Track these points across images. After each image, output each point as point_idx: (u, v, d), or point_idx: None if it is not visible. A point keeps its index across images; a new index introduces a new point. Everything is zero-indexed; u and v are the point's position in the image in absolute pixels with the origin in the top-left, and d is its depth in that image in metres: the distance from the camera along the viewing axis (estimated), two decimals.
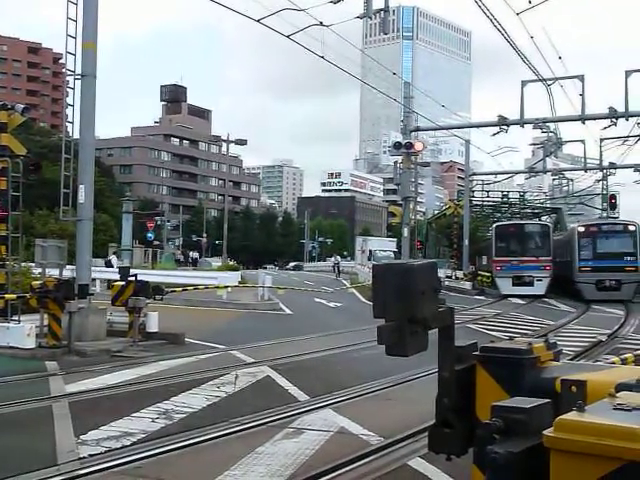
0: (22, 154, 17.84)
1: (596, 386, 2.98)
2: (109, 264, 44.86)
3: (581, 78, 31.08)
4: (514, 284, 40.00)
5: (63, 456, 7.43)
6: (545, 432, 2.39)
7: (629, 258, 37.81)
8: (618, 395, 2.63)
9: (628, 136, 38.83)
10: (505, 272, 40.95)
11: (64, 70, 18.73)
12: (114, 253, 53.32)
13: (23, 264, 21.63)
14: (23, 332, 15.00)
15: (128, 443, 7.94)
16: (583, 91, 30.88)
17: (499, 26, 22.44)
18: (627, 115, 31.39)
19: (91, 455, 7.46)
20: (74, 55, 17.13)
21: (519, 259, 40.73)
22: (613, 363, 7.61)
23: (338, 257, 54.56)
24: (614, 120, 31.71)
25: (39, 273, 19.83)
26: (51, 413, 9.43)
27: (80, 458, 7.37)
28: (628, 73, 30.42)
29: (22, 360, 14.14)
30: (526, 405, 2.79)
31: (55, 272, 18.11)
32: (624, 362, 8.26)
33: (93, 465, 7.15)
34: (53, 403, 10.14)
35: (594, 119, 32.89)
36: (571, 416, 2.39)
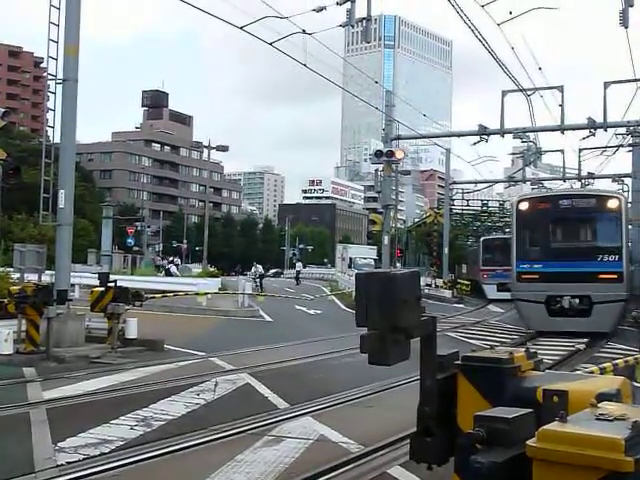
0: (2, 158, 17.69)
1: (577, 396, 3.00)
2: (169, 273, 44.33)
3: (560, 89, 31.29)
4: (498, 290, 41.60)
5: (40, 463, 7.36)
6: (528, 442, 2.41)
7: (607, 257, 21.83)
8: (599, 405, 2.64)
9: (606, 147, 39.01)
10: (491, 279, 44.49)
11: (45, 74, 18.63)
12: (171, 262, 52.92)
13: (1, 269, 21.48)
14: (0, 338, 14.85)
15: (106, 450, 7.88)
16: (562, 102, 31.10)
17: (480, 36, 22.58)
18: (605, 126, 31.60)
19: (69, 462, 7.39)
20: (56, 59, 17.04)
21: (503, 268, 41.40)
22: (592, 372, 7.66)
23: (259, 266, 48.54)
24: (593, 131, 31.91)
25: (17, 278, 19.65)
26: (28, 420, 9.34)
27: (58, 465, 7.31)
28: (607, 84, 30.67)
29: None
30: (508, 415, 2.80)
31: (34, 277, 17.97)
32: (603, 371, 8.32)
33: (71, 473, 7.09)
34: (30, 410, 10.05)
35: (573, 129, 33.08)
36: (554, 426, 2.40)
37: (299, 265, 72.15)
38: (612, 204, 22.18)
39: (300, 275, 65.80)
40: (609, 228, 22.66)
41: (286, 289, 49.18)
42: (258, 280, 45.89)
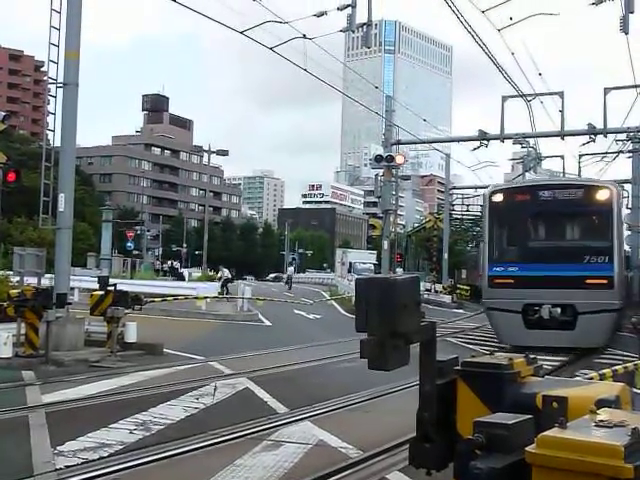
0: (2, 162, 17.71)
1: (577, 402, 3.00)
2: (181, 277, 43.43)
3: (561, 95, 31.36)
4: None
5: (39, 467, 7.35)
6: (527, 448, 2.41)
7: (596, 259, 18.81)
8: (599, 412, 2.65)
9: (606, 152, 39.10)
10: None
11: (46, 78, 18.66)
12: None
13: (1, 272, 21.48)
14: (0, 341, 14.84)
15: (105, 454, 7.87)
16: (563, 107, 31.16)
17: (480, 42, 22.62)
18: (605, 132, 31.67)
19: (68, 466, 7.38)
20: (56, 63, 17.07)
21: None
22: (591, 379, 7.66)
23: (225, 270, 43.22)
24: (593, 137, 31.98)
25: (17, 281, 19.67)
26: (27, 423, 9.33)
27: (57, 469, 7.30)
28: (607, 90, 30.73)
29: None
30: (508, 421, 2.80)
31: (33, 281, 17.97)
32: (602, 377, 8.32)
33: (70, 476, 7.08)
34: (29, 413, 10.04)
35: (573, 135, 33.14)
36: (553, 433, 2.40)
37: (290, 269, 71.82)
38: (602, 196, 18.78)
39: (292, 280, 65.24)
40: (598, 224, 19.69)
41: (285, 293, 49.18)
42: (223, 284, 42.13)
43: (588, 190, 19.31)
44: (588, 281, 18.38)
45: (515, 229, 20.43)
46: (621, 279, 19.25)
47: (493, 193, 20.24)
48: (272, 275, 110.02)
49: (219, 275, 45.02)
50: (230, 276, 46.33)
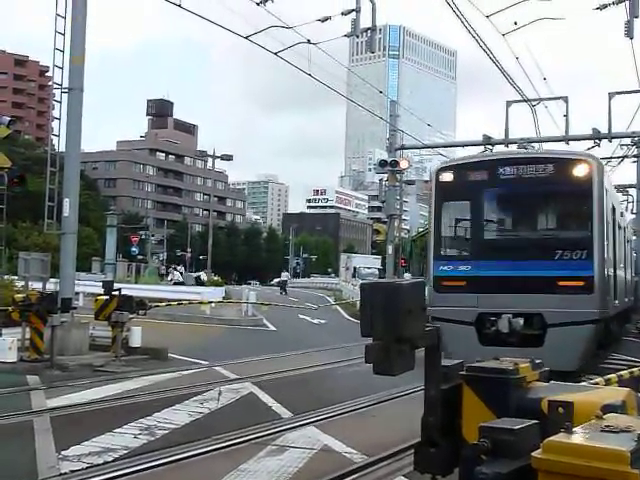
0: (7, 166, 17.75)
1: (583, 407, 2.99)
2: (199, 281, 42.21)
3: (565, 99, 31.29)
4: None
5: (44, 472, 7.35)
6: (533, 454, 2.40)
7: (571, 254, 14.84)
8: (605, 417, 2.64)
9: (611, 157, 38.99)
10: None
11: (51, 83, 18.70)
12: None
13: (5, 277, 21.52)
14: (4, 346, 14.86)
15: (110, 459, 7.87)
16: (567, 112, 31.06)
17: (485, 46, 22.60)
18: (610, 137, 31.54)
19: (72, 471, 7.38)
20: (61, 68, 17.11)
21: None
22: (597, 384, 7.63)
23: (177, 273, 39.04)
24: (597, 141, 31.89)
25: (22, 286, 19.69)
26: (32, 428, 9.33)
27: (61, 474, 7.29)
28: (611, 95, 30.67)
29: (3, 374, 13.98)
30: (514, 426, 2.79)
31: (38, 285, 17.99)
32: (607, 383, 8.29)
33: None
34: (34, 418, 10.04)
35: (578, 140, 33.04)
36: (559, 438, 2.40)
37: (285, 274, 71.32)
38: (580, 172, 14.68)
39: (287, 285, 64.27)
40: (574, 209, 16.06)
41: (289, 298, 49.16)
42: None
43: (561, 165, 15.07)
44: (560, 283, 14.33)
45: (467, 217, 16.37)
46: (604, 281, 14.90)
47: (441, 170, 16.18)
48: (276, 280, 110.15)
49: (169, 278, 41.63)
50: (181, 279, 44.52)
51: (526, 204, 16.09)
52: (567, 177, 14.86)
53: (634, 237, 29.67)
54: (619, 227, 19.95)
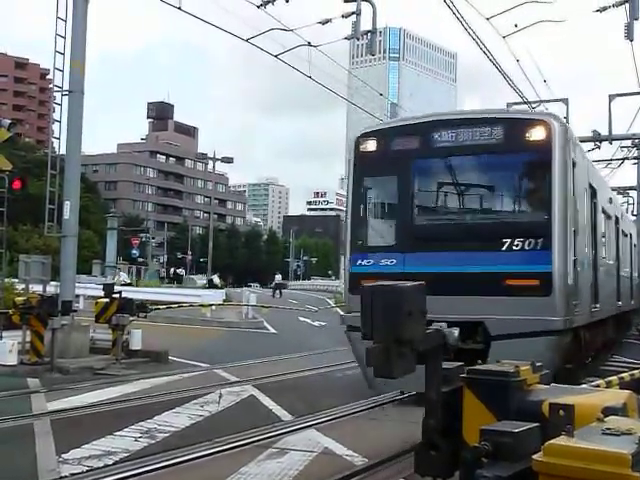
0: (7, 169, 17.75)
1: (584, 410, 2.98)
2: (212, 284, 42.21)
3: (565, 101, 31.31)
4: None
5: (44, 475, 7.34)
6: (534, 457, 2.40)
7: (523, 244, 11.32)
8: (606, 420, 2.63)
9: (611, 159, 39.00)
10: None
11: (51, 86, 18.72)
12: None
13: (6, 280, 21.50)
14: (5, 348, 14.85)
15: (110, 462, 7.86)
16: (567, 114, 31.06)
17: (485, 49, 22.61)
18: (610, 138, 31.56)
19: (73, 474, 7.37)
20: (62, 71, 17.12)
21: None
22: (598, 386, 7.63)
23: (123, 274, 36.87)
24: (598, 143, 31.90)
25: (22, 289, 19.68)
26: (32, 431, 9.32)
27: (61, 477, 7.28)
28: (611, 97, 30.68)
29: (3, 377, 13.97)
30: (515, 429, 2.79)
31: (39, 288, 17.98)
32: (609, 385, 8.29)
33: None
34: (34, 421, 10.03)
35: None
36: (560, 441, 2.39)
37: (278, 277, 71.00)
38: (535, 135, 11.47)
39: (281, 288, 63.63)
40: (529, 184, 12.60)
41: (289, 300, 49.14)
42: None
43: (512, 127, 11.77)
44: (509, 282, 11.10)
45: (393, 196, 13.06)
46: (569, 279, 11.41)
47: (362, 138, 12.92)
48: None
49: (116, 278, 39.47)
50: (128, 280, 41.83)
51: (467, 179, 12.77)
52: (520, 143, 11.56)
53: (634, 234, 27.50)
54: (605, 214, 17.05)
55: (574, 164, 12.07)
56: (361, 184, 12.99)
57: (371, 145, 12.75)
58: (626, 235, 23.29)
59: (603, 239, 16.60)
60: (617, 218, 20.12)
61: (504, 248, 11.28)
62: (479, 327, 11.04)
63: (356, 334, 10.69)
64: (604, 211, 16.86)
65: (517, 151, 11.80)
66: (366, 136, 12.94)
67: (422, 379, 8.47)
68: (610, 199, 19.01)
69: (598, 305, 14.33)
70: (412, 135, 12.53)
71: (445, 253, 11.67)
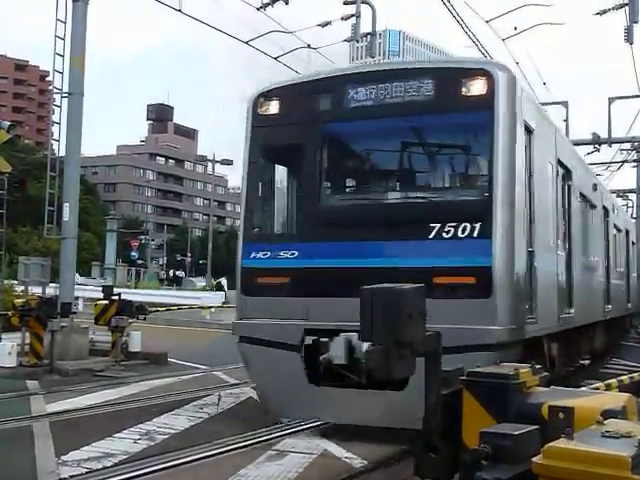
0: (7, 171, 17.75)
1: (583, 413, 2.99)
2: (220, 287, 42.39)
3: (565, 104, 31.33)
4: None
5: (43, 477, 7.34)
6: (534, 459, 2.40)
7: (455, 230, 8.73)
8: (605, 422, 2.63)
9: (611, 162, 39.01)
10: None
11: (51, 88, 18.73)
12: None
13: (5, 281, 21.50)
14: (4, 350, 14.86)
15: (109, 464, 7.85)
16: (567, 117, 31.08)
17: (484, 51, 22.64)
18: (610, 141, 31.58)
19: (72, 476, 7.36)
20: (61, 73, 17.13)
21: None
22: (597, 389, 7.63)
23: None
24: (597, 146, 31.91)
25: (22, 291, 19.69)
26: (31, 433, 9.32)
27: (61, 479, 7.28)
28: (611, 100, 30.71)
29: (2, 379, 13.97)
30: (514, 432, 2.79)
31: (38, 290, 17.98)
32: (608, 388, 8.29)
33: None
34: (34, 423, 10.02)
35: (578, 145, 33.00)
36: (560, 443, 2.39)
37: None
38: (474, 89, 9.05)
39: None
40: (465, 153, 10.20)
41: None
42: None
43: (443, 80, 9.36)
44: (437, 280, 8.46)
45: (298, 171, 10.55)
46: (514, 274, 8.88)
47: (262, 98, 10.33)
48: None
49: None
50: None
51: (388, 147, 10.35)
52: (454, 100, 9.09)
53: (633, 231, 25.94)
54: (587, 202, 14.78)
55: (529, 130, 9.57)
56: (259, 157, 10.40)
57: (273, 107, 10.21)
58: (620, 230, 21.22)
59: (583, 232, 14.01)
60: (606, 209, 17.91)
61: (432, 235, 8.78)
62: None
63: (253, 348, 9.64)
64: (586, 199, 14.63)
65: (450, 110, 9.23)
66: (266, 96, 10.30)
67: (327, 405, 7.86)
68: (595, 186, 16.33)
69: (572, 310, 11.88)
70: (322, 93, 10.03)
71: (358, 243, 9.18)
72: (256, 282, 9.97)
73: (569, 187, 12.47)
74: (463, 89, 8.99)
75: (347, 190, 10.94)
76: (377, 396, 8.42)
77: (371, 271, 8.76)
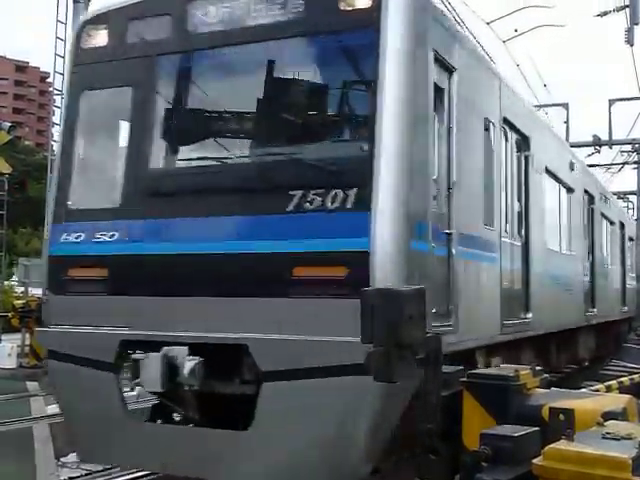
0: (7, 172, 17.76)
1: (584, 414, 2.98)
2: None
3: (565, 106, 31.33)
4: None
5: (43, 478, 7.32)
6: (534, 461, 2.39)
7: (323, 201, 5.94)
8: (606, 424, 2.63)
9: (611, 164, 38.98)
10: None
11: (51, 89, 18.73)
12: None
13: (5, 283, 21.52)
14: (4, 352, 14.85)
15: (109, 466, 7.83)
16: (567, 119, 31.09)
17: (485, 53, 22.66)
18: (610, 143, 31.58)
19: (71, 478, 7.38)
20: (62, 74, 17.11)
21: None
22: (597, 390, 7.62)
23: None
24: (598, 148, 31.91)
25: (22, 292, 19.67)
26: (31, 434, 9.31)
27: None
28: (612, 102, 30.71)
29: (2, 380, 13.96)
30: (514, 433, 2.79)
31: (38, 291, 17.97)
32: (608, 389, 8.28)
33: None
34: (34, 424, 10.02)
35: (578, 146, 33.01)
36: (560, 445, 2.39)
37: None
38: (358, 1, 6.25)
39: None
40: (341, 92, 6.83)
41: None
42: None
43: None
44: (296, 272, 6.01)
45: (124, 121, 7.73)
46: (409, 264, 5.96)
47: (88, 26, 7.77)
48: None
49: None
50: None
51: (242, 86, 7.27)
52: (328, 17, 6.49)
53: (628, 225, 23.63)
54: (558, 182, 12.43)
55: (446, 67, 7.10)
56: (78, 103, 7.65)
57: (101, 37, 7.60)
58: (613, 223, 18.88)
59: (552, 218, 11.67)
60: (591, 196, 15.55)
61: (290, 207, 6.13)
62: (239, 356, 6.05)
63: (61, 366, 6.86)
64: (557, 177, 12.14)
65: (322, 32, 6.61)
66: (94, 23, 7.74)
67: (153, 449, 6.01)
68: (572, 164, 13.55)
69: (530, 315, 9.63)
70: (160, 17, 7.34)
71: (194, 220, 6.59)
72: (66, 275, 7.11)
73: (526, 158, 9.97)
74: (341, 3, 6.31)
75: (183, 148, 7.61)
76: (214, 437, 6.16)
77: (205, 260, 6.36)
